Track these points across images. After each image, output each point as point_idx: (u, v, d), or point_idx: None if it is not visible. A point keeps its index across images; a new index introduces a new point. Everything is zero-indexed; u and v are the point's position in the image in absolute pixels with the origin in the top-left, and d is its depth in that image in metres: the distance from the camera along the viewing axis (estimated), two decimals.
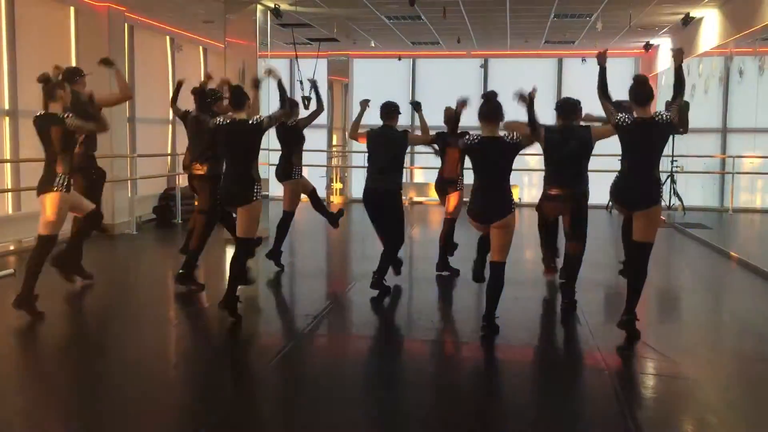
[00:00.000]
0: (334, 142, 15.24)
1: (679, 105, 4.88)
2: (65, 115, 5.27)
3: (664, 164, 11.03)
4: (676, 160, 11.60)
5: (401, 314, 6.12)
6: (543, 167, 5.75)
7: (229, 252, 7.22)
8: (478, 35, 12.29)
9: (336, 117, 15.02)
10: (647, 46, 12.72)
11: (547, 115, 5.56)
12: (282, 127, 6.98)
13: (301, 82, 11.43)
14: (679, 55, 4.92)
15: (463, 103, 5.21)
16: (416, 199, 13.97)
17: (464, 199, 6.34)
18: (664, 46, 12.65)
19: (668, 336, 5.42)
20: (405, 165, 6.53)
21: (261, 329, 5.53)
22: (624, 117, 4.87)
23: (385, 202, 6.13)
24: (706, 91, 12.09)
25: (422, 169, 14.06)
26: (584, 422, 3.82)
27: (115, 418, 3.73)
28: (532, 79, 5.13)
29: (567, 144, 5.41)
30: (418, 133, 6.75)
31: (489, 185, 4.94)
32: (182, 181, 11.03)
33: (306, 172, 7.42)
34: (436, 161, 7.09)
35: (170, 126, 12.45)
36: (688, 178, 12.45)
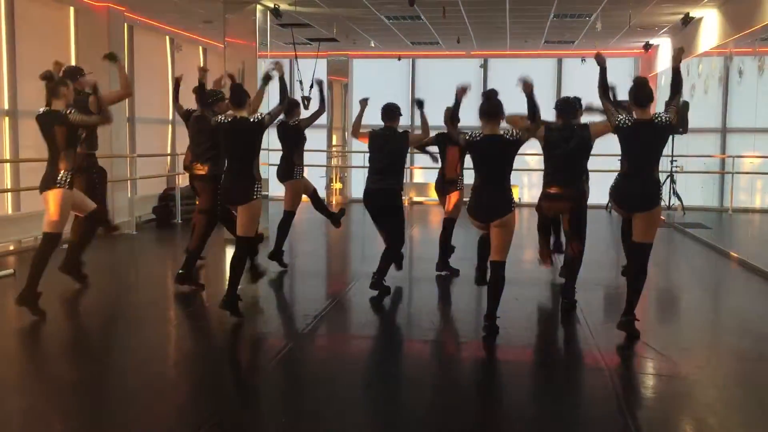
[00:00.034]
0: (334, 142, 15.25)
1: (676, 106, 4.89)
2: (68, 111, 5.28)
3: (664, 164, 11.03)
4: (675, 160, 11.61)
5: (401, 314, 6.12)
6: (542, 167, 5.76)
7: (229, 252, 7.22)
8: (478, 35, 12.29)
9: (336, 117, 15.03)
10: (647, 46, 12.73)
11: (546, 115, 5.56)
12: (283, 127, 6.98)
13: (300, 82, 11.45)
14: (678, 56, 4.93)
15: (463, 90, 5.20)
16: (416, 199, 13.98)
17: (464, 199, 6.35)
18: (664, 46, 12.66)
19: (668, 335, 5.43)
20: (405, 165, 6.53)
21: (261, 329, 5.53)
22: (624, 118, 4.87)
23: (385, 202, 6.13)
24: (706, 91, 12.10)
25: (422, 169, 14.06)
26: (584, 422, 3.82)
27: (115, 417, 3.73)
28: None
29: (566, 143, 5.42)
30: (419, 132, 6.75)
31: (489, 184, 4.94)
32: (182, 181, 11.04)
33: (306, 172, 7.40)
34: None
35: (170, 126, 12.46)
36: (688, 178, 12.45)
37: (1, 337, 5.15)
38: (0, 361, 4.61)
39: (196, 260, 6.45)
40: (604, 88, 5.08)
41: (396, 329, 5.68)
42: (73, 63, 9.39)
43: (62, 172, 5.29)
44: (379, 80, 14.69)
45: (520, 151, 4.94)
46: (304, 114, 7.32)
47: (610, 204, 5.23)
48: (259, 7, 9.40)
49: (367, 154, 6.41)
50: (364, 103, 6.41)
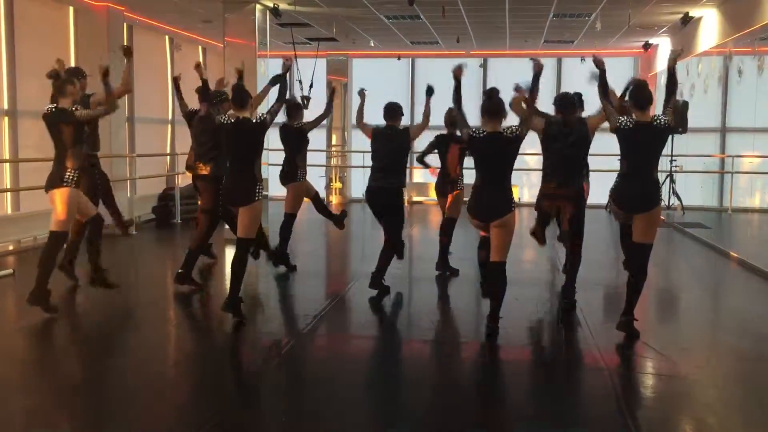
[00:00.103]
0: (334, 142, 15.24)
1: (673, 107, 4.93)
2: (74, 108, 5.28)
3: (663, 164, 11.04)
4: (675, 160, 11.61)
5: (401, 314, 6.12)
6: (541, 167, 5.77)
7: (229, 252, 7.23)
8: (478, 35, 12.29)
9: (335, 117, 15.01)
10: (646, 46, 12.74)
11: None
12: (286, 129, 6.97)
13: (300, 82, 11.46)
14: (674, 58, 4.98)
15: (459, 69, 5.20)
16: (416, 198, 13.98)
17: (464, 199, 6.35)
18: (664, 45, 12.66)
19: (667, 335, 5.43)
20: (407, 163, 6.56)
21: (261, 329, 5.53)
22: (625, 120, 4.89)
23: (387, 201, 6.16)
24: (706, 90, 12.10)
25: (422, 168, 14.06)
26: (583, 421, 3.82)
27: (116, 417, 3.73)
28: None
29: (566, 138, 5.43)
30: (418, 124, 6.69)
31: (490, 183, 4.94)
32: (181, 181, 11.04)
33: (308, 175, 7.36)
34: (436, 161, 7.08)
35: (169, 126, 12.45)
36: (687, 178, 12.46)
37: (1, 337, 5.15)
38: (0, 360, 4.61)
39: (196, 260, 6.46)
40: (605, 89, 5.09)
41: (396, 329, 5.68)
42: (72, 63, 9.39)
43: (69, 170, 5.29)
44: (378, 80, 14.67)
45: (519, 151, 4.94)
46: (307, 115, 7.31)
47: (609, 205, 5.22)
48: (258, 6, 9.40)
49: (367, 154, 6.43)
50: (362, 94, 6.46)
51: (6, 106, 8.72)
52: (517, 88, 5.04)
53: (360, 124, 6.44)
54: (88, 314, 5.90)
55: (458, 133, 6.32)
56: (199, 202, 6.73)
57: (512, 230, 4.97)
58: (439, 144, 6.89)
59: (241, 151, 5.25)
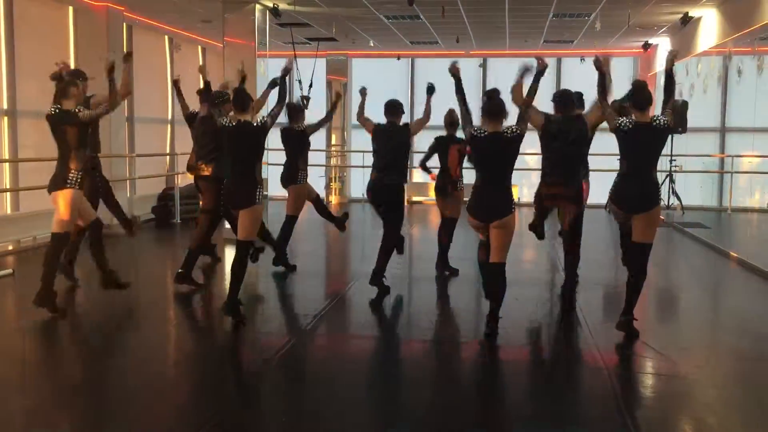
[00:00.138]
0: (333, 142, 15.24)
1: (673, 107, 4.95)
2: (77, 110, 5.29)
3: (663, 164, 11.05)
4: (674, 160, 11.62)
5: (401, 314, 6.12)
6: (541, 166, 5.79)
7: (229, 252, 7.23)
8: (477, 35, 12.29)
9: (335, 117, 15.00)
10: (646, 46, 12.75)
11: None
12: (288, 132, 6.96)
13: (299, 82, 11.46)
14: (671, 59, 5.01)
15: (455, 66, 5.21)
16: (416, 198, 13.98)
17: (464, 199, 6.36)
18: (663, 45, 12.66)
19: (667, 335, 5.43)
20: (408, 159, 6.60)
21: (261, 328, 5.53)
22: (625, 121, 4.90)
23: (388, 197, 6.20)
24: (705, 90, 12.11)
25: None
26: (583, 421, 3.83)
27: (116, 417, 3.73)
28: (530, 79, 5.17)
29: (565, 135, 5.45)
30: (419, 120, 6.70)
31: (490, 184, 4.94)
32: (181, 181, 11.04)
33: (309, 178, 7.35)
34: (436, 162, 7.08)
35: (169, 126, 12.45)
36: (687, 178, 12.46)
37: (1, 337, 5.14)
38: (0, 360, 4.61)
39: (195, 260, 6.47)
40: (604, 91, 5.10)
41: (396, 329, 5.68)
42: (72, 62, 9.40)
43: (73, 172, 5.29)
44: (378, 80, 14.65)
45: (519, 151, 4.94)
46: (309, 117, 7.32)
47: (609, 205, 5.23)
48: (258, 6, 9.40)
49: (366, 154, 6.45)
50: (363, 92, 6.54)
51: (5, 106, 8.72)
52: (524, 70, 5.04)
53: (361, 118, 6.50)
54: (88, 314, 5.90)
55: (458, 133, 6.34)
56: (200, 202, 6.73)
57: (512, 231, 4.97)
58: (438, 145, 6.90)
59: (242, 154, 5.26)
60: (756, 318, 5.86)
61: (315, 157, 13.83)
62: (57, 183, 5.30)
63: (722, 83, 13.22)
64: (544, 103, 5.63)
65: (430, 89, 6.33)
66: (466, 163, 6.51)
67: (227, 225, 7.59)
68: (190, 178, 7.49)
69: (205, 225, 6.41)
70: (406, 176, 6.32)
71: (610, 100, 5.23)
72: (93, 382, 4.27)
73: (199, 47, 13.29)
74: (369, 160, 6.50)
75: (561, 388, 4.34)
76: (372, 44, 13.37)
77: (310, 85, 11.43)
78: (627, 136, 4.89)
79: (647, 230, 4.91)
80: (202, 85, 6.35)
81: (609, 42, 12.58)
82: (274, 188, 9.42)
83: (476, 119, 5.07)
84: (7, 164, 8.70)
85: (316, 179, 10.14)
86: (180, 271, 6.30)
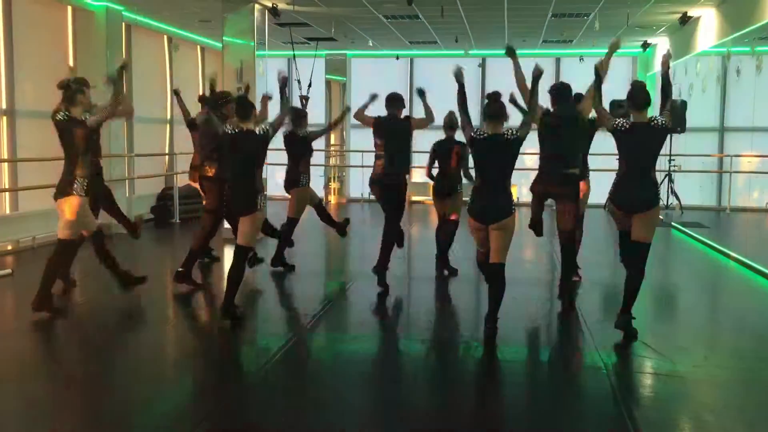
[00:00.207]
0: (332, 142, 15.23)
1: (671, 107, 4.96)
2: (84, 117, 5.32)
3: (662, 163, 11.05)
4: (673, 159, 11.62)
5: (400, 314, 6.12)
6: (538, 156, 5.83)
7: (229, 252, 7.23)
8: (476, 35, 12.29)
9: (334, 116, 14.99)
10: (645, 46, 12.75)
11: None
12: (291, 137, 6.96)
13: (299, 81, 11.46)
14: (666, 62, 5.01)
15: (460, 72, 5.22)
16: (416, 198, 13.97)
17: (464, 199, 6.36)
18: (662, 45, 12.67)
19: (666, 335, 5.43)
20: (411, 150, 6.64)
21: (260, 328, 5.53)
22: (622, 121, 4.90)
23: (389, 189, 6.26)
24: (704, 90, 12.11)
25: (422, 168, 14.07)
26: (582, 421, 3.83)
27: (116, 417, 3.73)
28: (529, 79, 5.18)
29: (562, 128, 5.50)
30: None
31: (490, 185, 4.94)
32: (180, 180, 11.03)
33: (311, 181, 7.34)
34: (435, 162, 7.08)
35: (168, 125, 12.44)
36: (686, 177, 12.46)
37: (1, 337, 5.14)
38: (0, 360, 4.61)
39: (196, 259, 6.47)
40: (599, 95, 5.11)
41: (395, 329, 5.68)
42: (71, 63, 9.40)
43: (79, 179, 5.31)
44: (377, 79, 14.68)
45: (519, 153, 4.95)
46: (310, 121, 7.34)
47: (608, 206, 5.24)
48: (257, 6, 9.39)
49: (366, 154, 6.47)
50: (374, 97, 6.59)
51: (4, 106, 8.71)
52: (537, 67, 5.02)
53: (360, 115, 6.54)
54: (88, 314, 5.90)
55: (457, 135, 6.36)
56: (204, 203, 6.75)
57: (512, 232, 4.98)
58: (438, 148, 6.90)
59: (243, 162, 5.26)
60: (755, 317, 5.87)
61: (314, 157, 13.82)
62: (63, 190, 5.32)
63: (721, 83, 13.21)
64: (543, 100, 5.65)
65: (420, 92, 6.40)
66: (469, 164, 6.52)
67: (226, 225, 7.60)
68: (189, 178, 7.50)
69: (208, 225, 6.43)
70: (408, 166, 6.37)
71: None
72: (93, 382, 4.27)
73: (198, 47, 13.28)
74: (368, 160, 6.51)
75: (560, 387, 4.34)
76: (371, 44, 13.37)
77: (309, 85, 11.42)
78: (624, 137, 4.90)
79: (646, 230, 4.92)
80: (207, 92, 6.33)
81: (608, 42, 12.56)
82: (273, 188, 9.43)
83: (475, 120, 5.07)
84: (6, 164, 8.69)
85: (315, 179, 10.13)
86: (180, 269, 6.31)
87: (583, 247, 6.73)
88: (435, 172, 7.05)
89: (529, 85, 5.13)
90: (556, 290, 6.11)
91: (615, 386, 4.18)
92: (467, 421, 3.75)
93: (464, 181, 6.88)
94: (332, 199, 14.26)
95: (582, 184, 6.11)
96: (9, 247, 8.22)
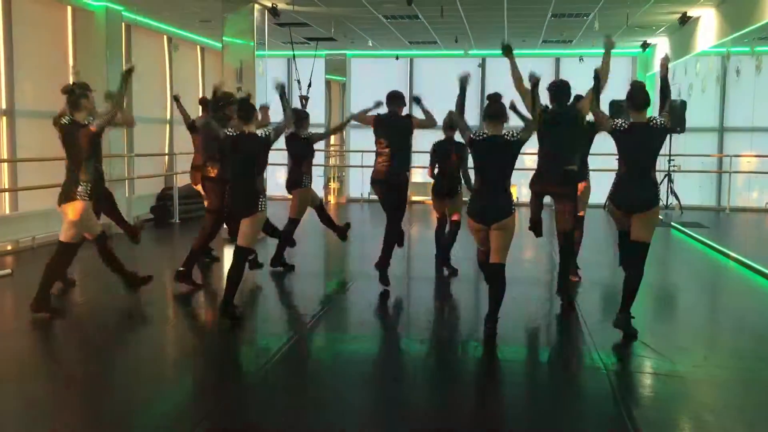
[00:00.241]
0: (332, 142, 15.23)
1: (669, 110, 4.97)
2: (88, 123, 5.33)
3: (662, 163, 11.05)
4: (673, 159, 11.62)
5: (400, 313, 6.13)
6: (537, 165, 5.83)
7: (228, 252, 7.23)
8: (476, 35, 12.29)
9: (334, 116, 15.01)
10: (645, 46, 12.75)
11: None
12: (293, 139, 6.96)
13: (298, 81, 11.46)
14: (664, 65, 5.03)
15: (466, 78, 5.24)
16: (416, 198, 13.97)
17: (464, 199, 6.37)
18: (662, 45, 12.68)
19: (665, 335, 5.44)
20: (411, 147, 6.67)
21: (260, 328, 5.53)
22: (621, 122, 4.91)
23: (389, 187, 6.28)
24: (704, 90, 12.12)
25: (422, 168, 14.08)
26: (581, 421, 3.83)
27: (115, 417, 3.73)
28: (528, 80, 5.20)
29: (561, 125, 5.52)
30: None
31: (490, 186, 4.95)
32: (180, 181, 11.03)
33: (313, 183, 7.34)
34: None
35: (167, 125, 12.44)
36: (686, 177, 12.47)
37: (0, 337, 5.14)
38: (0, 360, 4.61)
39: (197, 259, 6.47)
40: (598, 97, 5.12)
41: (395, 329, 5.68)
42: (70, 63, 9.40)
43: (83, 183, 5.32)
44: (377, 79, 14.68)
45: (519, 154, 4.95)
46: (312, 123, 7.34)
47: (607, 206, 5.25)
48: (257, 6, 9.39)
49: (366, 154, 6.48)
50: (378, 104, 6.57)
51: (4, 106, 8.71)
52: (533, 77, 5.10)
53: (360, 116, 6.57)
54: (88, 314, 5.90)
55: (456, 135, 6.36)
56: (206, 203, 6.76)
57: (512, 233, 4.98)
58: (438, 148, 6.91)
59: (244, 164, 5.26)
60: (754, 317, 5.87)
61: (314, 157, 13.86)
62: (67, 195, 5.33)
63: (720, 83, 13.21)
64: (542, 98, 5.66)
65: (417, 100, 6.46)
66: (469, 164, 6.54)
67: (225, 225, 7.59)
68: (189, 178, 7.50)
69: (209, 225, 6.44)
70: (410, 163, 6.41)
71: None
72: (92, 382, 4.27)
73: (198, 47, 13.28)
74: (368, 160, 6.52)
75: (560, 387, 4.34)
76: (371, 44, 13.37)
77: (309, 85, 11.43)
78: (624, 137, 4.91)
79: (645, 230, 4.92)
80: (210, 95, 6.32)
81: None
82: (273, 188, 9.43)
83: (475, 120, 5.07)
84: (5, 164, 8.69)
85: (315, 179, 10.12)
86: (181, 269, 6.31)
87: (583, 247, 6.74)
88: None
89: (527, 85, 5.15)
90: (556, 290, 6.12)
91: (615, 386, 4.18)
92: (467, 421, 3.75)
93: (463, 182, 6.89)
94: (332, 199, 14.27)
95: (582, 184, 6.12)
96: (9, 247, 8.22)
